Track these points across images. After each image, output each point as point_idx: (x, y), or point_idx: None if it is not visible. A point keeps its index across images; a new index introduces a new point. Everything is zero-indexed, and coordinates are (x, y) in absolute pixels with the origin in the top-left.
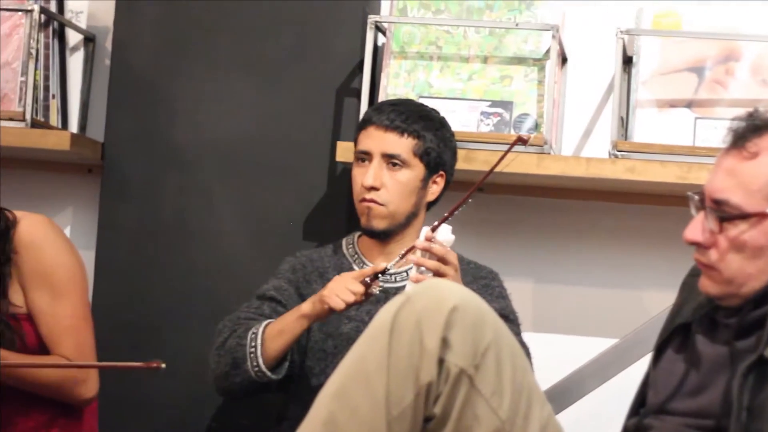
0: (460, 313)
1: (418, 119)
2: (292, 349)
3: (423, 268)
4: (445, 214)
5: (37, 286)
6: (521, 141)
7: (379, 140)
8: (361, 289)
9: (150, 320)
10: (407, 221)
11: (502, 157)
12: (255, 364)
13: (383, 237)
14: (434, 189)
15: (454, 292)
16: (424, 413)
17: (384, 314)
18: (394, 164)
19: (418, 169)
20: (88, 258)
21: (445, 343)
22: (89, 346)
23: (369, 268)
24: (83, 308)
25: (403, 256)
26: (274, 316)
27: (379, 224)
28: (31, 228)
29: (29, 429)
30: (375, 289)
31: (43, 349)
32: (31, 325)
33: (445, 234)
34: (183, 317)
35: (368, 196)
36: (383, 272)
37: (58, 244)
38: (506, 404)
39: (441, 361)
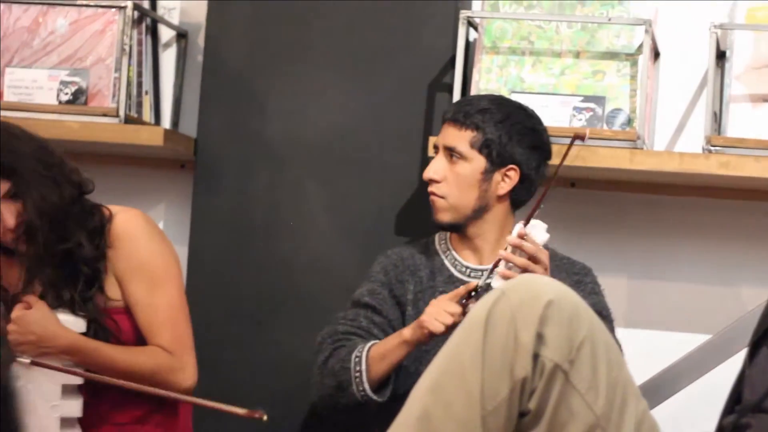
0: (556, 307)
1: (479, 112)
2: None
3: (511, 264)
4: (527, 216)
5: (134, 278)
6: (578, 138)
7: (443, 134)
8: (458, 309)
9: (242, 315)
10: (476, 215)
11: (565, 155)
12: (361, 388)
13: (454, 230)
14: (505, 183)
15: (549, 286)
16: (519, 408)
17: (479, 309)
18: (453, 157)
19: (477, 162)
20: (181, 253)
21: (540, 338)
22: (187, 336)
23: (462, 287)
24: (180, 299)
25: (492, 270)
26: (372, 328)
27: (443, 217)
28: (126, 222)
29: (123, 425)
30: (471, 308)
31: (139, 342)
32: (128, 318)
33: (540, 233)
34: (275, 312)
35: (430, 189)
36: (476, 290)
37: (153, 237)
38: (601, 399)
39: (536, 356)
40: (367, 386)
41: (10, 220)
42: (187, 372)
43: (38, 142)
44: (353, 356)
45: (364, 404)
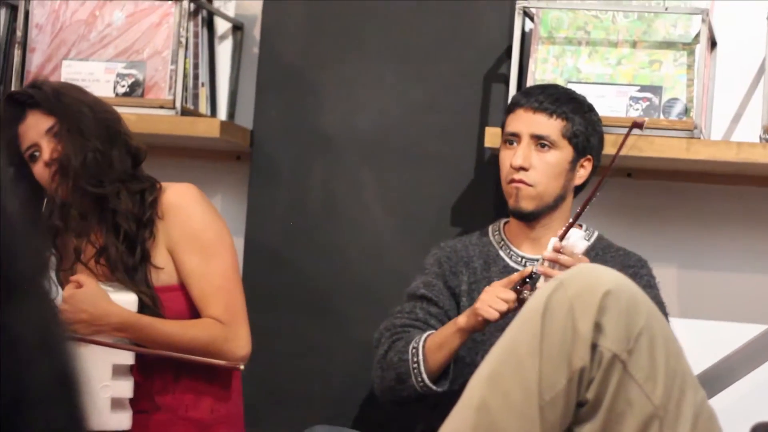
0: (613, 297)
1: (567, 101)
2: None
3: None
4: (570, 221)
5: (187, 249)
6: (637, 125)
7: (528, 121)
8: (512, 295)
9: (298, 305)
10: (555, 204)
11: (622, 143)
12: (420, 379)
13: (531, 219)
14: (582, 173)
15: (607, 276)
16: (577, 398)
17: (536, 299)
18: (543, 145)
19: (566, 151)
20: (238, 244)
21: (598, 327)
22: (240, 306)
23: (516, 274)
24: (233, 269)
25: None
26: (430, 319)
27: (527, 205)
28: (179, 193)
29: (177, 403)
30: (526, 294)
31: (193, 316)
32: (182, 294)
33: (578, 241)
34: (331, 303)
35: (517, 176)
36: (531, 276)
37: (204, 208)
38: (659, 389)
39: (594, 346)
40: (425, 377)
41: (47, 154)
42: (240, 341)
43: (96, 98)
44: (410, 347)
45: (424, 396)
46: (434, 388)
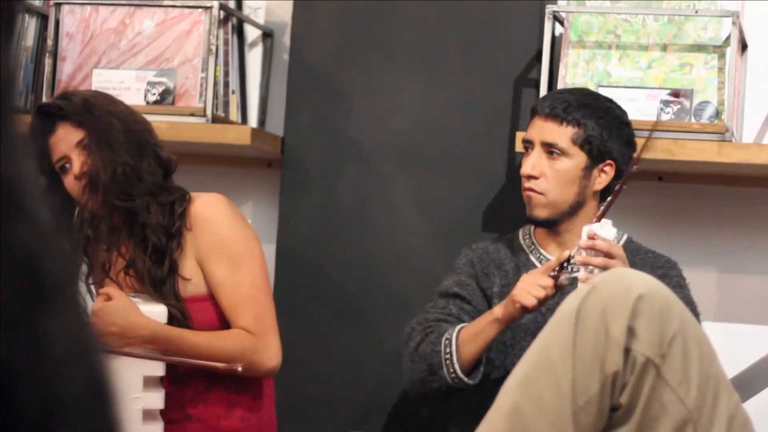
0: (647, 301)
1: (579, 107)
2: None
3: (591, 267)
4: (598, 214)
5: (216, 260)
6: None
7: (539, 129)
8: (550, 282)
9: (330, 311)
10: (572, 210)
11: (646, 144)
12: (452, 370)
13: (547, 226)
14: (602, 178)
15: (640, 280)
16: (610, 403)
17: (569, 303)
18: (553, 153)
19: (578, 158)
20: (269, 251)
21: (631, 332)
22: (269, 316)
23: (553, 260)
24: (262, 279)
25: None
26: (463, 315)
27: (540, 213)
28: (207, 204)
29: (208, 413)
30: (564, 279)
31: (223, 326)
32: (211, 304)
33: (607, 229)
34: (363, 307)
35: (528, 184)
36: (568, 261)
37: (233, 218)
38: (693, 393)
39: (627, 351)
40: (457, 367)
41: (77, 167)
42: (271, 351)
43: (127, 108)
44: (443, 338)
45: (454, 389)
46: (466, 379)
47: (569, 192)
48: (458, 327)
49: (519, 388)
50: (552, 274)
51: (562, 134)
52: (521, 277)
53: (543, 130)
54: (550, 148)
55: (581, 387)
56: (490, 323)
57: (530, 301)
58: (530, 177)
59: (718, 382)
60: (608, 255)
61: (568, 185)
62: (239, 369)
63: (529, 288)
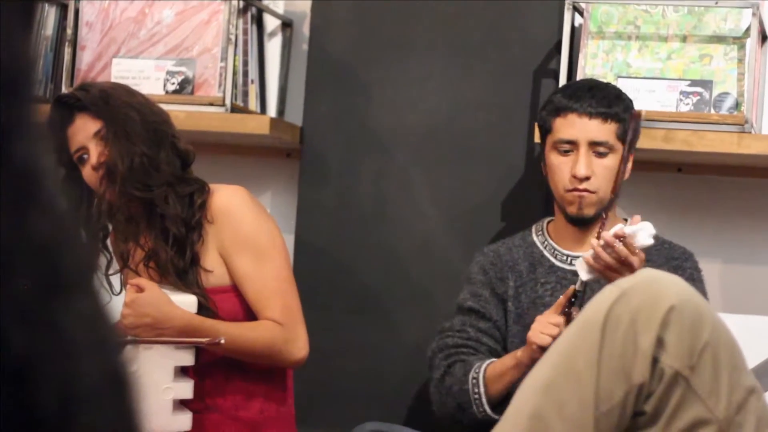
0: (678, 312)
1: (616, 101)
2: None
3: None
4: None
5: (240, 252)
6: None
7: (584, 128)
8: (561, 320)
9: (348, 303)
10: (609, 204)
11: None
12: (481, 409)
13: (590, 223)
14: (628, 168)
15: (671, 289)
16: (634, 409)
17: (597, 308)
18: (601, 152)
19: (620, 152)
20: (288, 241)
21: (660, 342)
22: (296, 308)
23: (561, 297)
24: (287, 271)
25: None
26: (481, 336)
27: (589, 211)
28: (228, 197)
29: (227, 404)
30: (575, 314)
31: (248, 318)
32: (236, 296)
33: (645, 236)
34: (381, 299)
35: (581, 186)
36: (575, 295)
37: (255, 211)
38: (723, 403)
39: (655, 361)
40: (487, 407)
41: (94, 158)
42: (299, 342)
43: (145, 99)
44: (470, 378)
45: (484, 423)
46: (495, 417)
47: (612, 186)
48: (485, 365)
49: (541, 392)
50: (564, 311)
51: (608, 132)
52: (536, 318)
53: (589, 129)
54: (597, 147)
55: (605, 394)
56: (514, 366)
57: (544, 341)
58: (585, 178)
59: (748, 388)
60: (623, 261)
61: (612, 179)
62: (222, 342)
63: (542, 328)
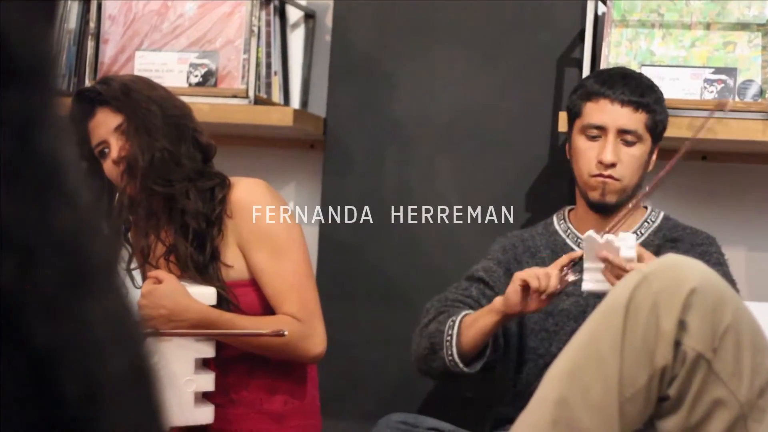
0: (700, 295)
1: (649, 91)
2: (494, 346)
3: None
4: (644, 193)
5: (258, 247)
6: (720, 109)
7: (614, 115)
8: (555, 272)
9: (372, 294)
10: (632, 193)
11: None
12: (449, 353)
13: (609, 211)
14: (653, 159)
15: (693, 272)
16: (658, 394)
17: (619, 293)
18: (629, 141)
19: (648, 143)
20: (312, 232)
21: (682, 325)
22: (314, 302)
23: (564, 257)
24: (305, 266)
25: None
26: (482, 299)
27: (612, 198)
28: (248, 190)
29: (251, 397)
30: (570, 277)
31: (266, 313)
32: (254, 290)
33: (626, 249)
34: (406, 290)
35: (606, 172)
36: (580, 259)
37: (274, 205)
38: (745, 385)
39: (677, 344)
40: (454, 351)
41: (115, 152)
42: (317, 338)
43: (167, 93)
44: (449, 320)
45: (452, 373)
46: (461, 365)
47: (638, 176)
48: (465, 311)
49: (565, 378)
50: (563, 273)
51: (638, 121)
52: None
53: (619, 116)
54: (624, 135)
55: (629, 379)
56: (488, 311)
57: (531, 278)
58: (611, 164)
59: None
60: (620, 270)
61: (639, 170)
62: (285, 333)
63: (535, 270)
